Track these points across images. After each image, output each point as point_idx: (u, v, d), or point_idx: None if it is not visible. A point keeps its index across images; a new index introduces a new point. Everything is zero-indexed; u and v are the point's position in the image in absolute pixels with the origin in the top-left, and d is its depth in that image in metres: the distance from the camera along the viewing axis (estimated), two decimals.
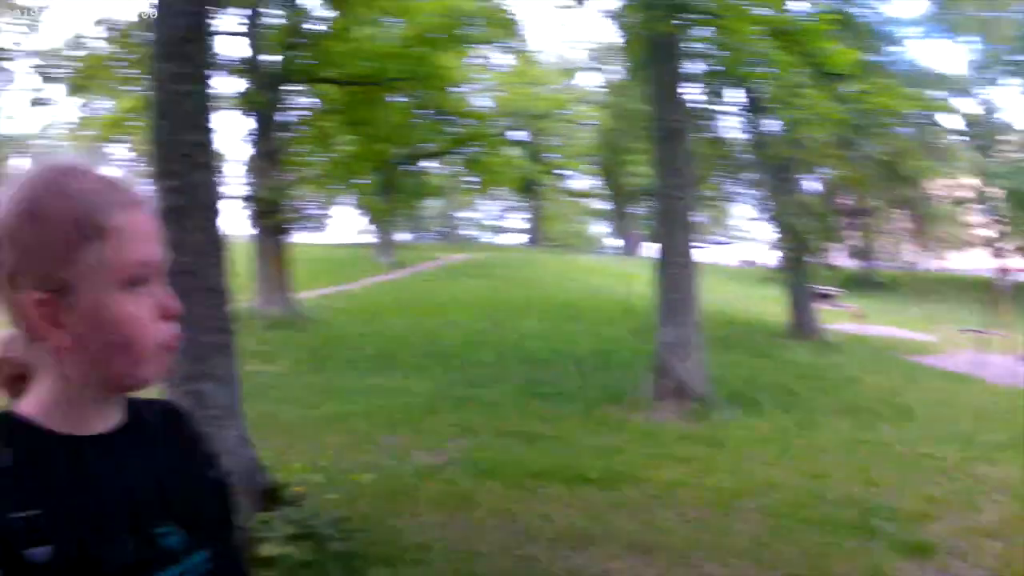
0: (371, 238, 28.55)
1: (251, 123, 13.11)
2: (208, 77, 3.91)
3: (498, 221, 48.36)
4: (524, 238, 42.06)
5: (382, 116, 13.69)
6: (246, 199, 13.17)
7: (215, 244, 3.70)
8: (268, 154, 13.11)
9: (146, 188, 0.86)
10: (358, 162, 14.38)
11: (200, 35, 3.87)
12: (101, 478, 0.82)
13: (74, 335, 0.78)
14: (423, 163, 23.86)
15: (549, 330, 12.43)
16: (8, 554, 0.71)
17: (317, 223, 39.78)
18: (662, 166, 7.88)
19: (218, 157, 4.00)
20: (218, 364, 3.60)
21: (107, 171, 0.82)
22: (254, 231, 13.61)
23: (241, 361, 3.85)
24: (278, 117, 13.12)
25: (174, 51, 3.73)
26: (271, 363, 9.36)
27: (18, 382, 0.83)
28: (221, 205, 3.87)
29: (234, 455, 3.55)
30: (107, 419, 0.85)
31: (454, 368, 9.46)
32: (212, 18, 4.16)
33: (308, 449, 5.23)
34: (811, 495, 4.75)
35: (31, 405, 0.82)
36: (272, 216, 13.08)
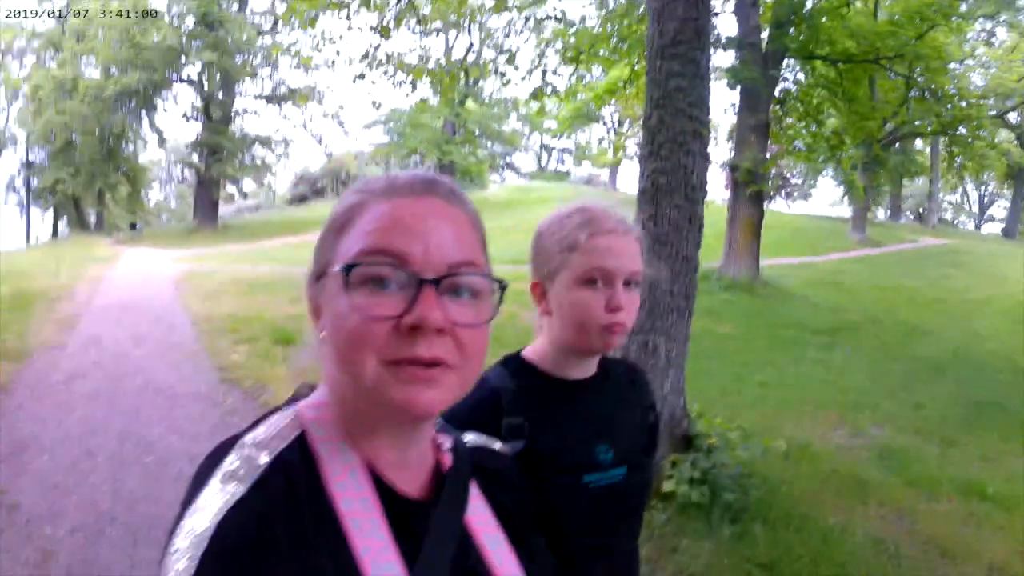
0: (846, 213, 26.88)
1: (738, 96, 13.60)
2: (704, 73, 4.19)
3: (980, 208, 41.09)
4: (1000, 228, 34.99)
5: (872, 93, 13.10)
6: (730, 167, 13.95)
7: (693, 220, 4.10)
8: (755, 126, 13.49)
9: (627, 220, 1.25)
10: (844, 137, 13.96)
11: (698, 37, 4.14)
12: (570, 406, 1.24)
13: (553, 311, 1.23)
14: (909, 142, 21.52)
15: (1004, 333, 11.00)
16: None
17: (797, 193, 38.76)
18: None
19: (707, 141, 4.29)
20: (673, 323, 4.05)
21: (600, 208, 1.23)
22: (730, 196, 14.25)
23: (693, 320, 4.26)
24: (768, 91, 13.34)
25: (670, 51, 4.10)
26: (721, 324, 10.00)
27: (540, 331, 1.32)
28: (704, 186, 4.22)
29: (667, 402, 4.01)
30: (585, 370, 1.28)
31: (897, 357, 9.09)
32: (708, 21, 4.38)
33: (732, 408, 5.68)
34: None
35: (532, 352, 1.30)
36: (751, 185, 13.50)
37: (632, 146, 27.46)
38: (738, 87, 13.18)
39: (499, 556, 0.78)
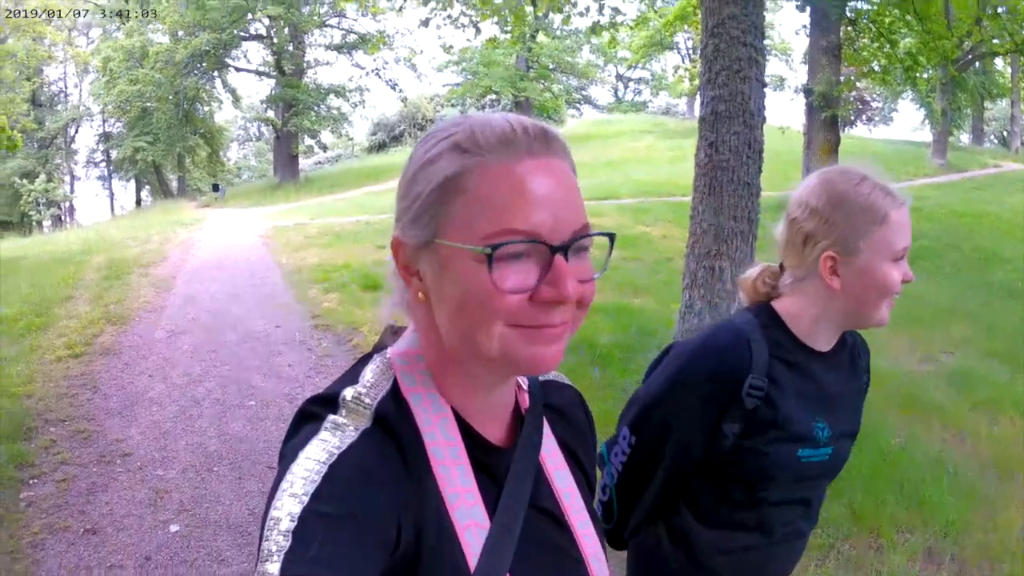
0: (928, 137, 25.72)
1: (810, 17, 13.21)
2: (761, 5, 4.44)
3: None
4: None
5: (946, 11, 12.23)
6: (804, 91, 13.57)
7: (752, 145, 4.38)
8: (826, 48, 13.16)
9: (904, 195, 1.29)
10: (919, 58, 13.32)
11: None
12: (807, 378, 1.34)
13: (844, 283, 1.28)
14: (988, 62, 20.10)
15: None
16: (734, 397, 1.28)
17: (877, 118, 37.01)
18: None
19: (763, 67, 4.55)
20: (738, 248, 4.37)
21: (880, 175, 1.29)
22: (806, 121, 13.88)
23: (758, 244, 4.52)
24: (839, 12, 12.87)
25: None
26: None
27: (766, 295, 1.41)
28: (762, 112, 4.49)
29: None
30: (829, 342, 1.37)
31: (973, 283, 9.23)
32: None
33: None
34: None
35: (786, 311, 1.36)
36: (825, 109, 13.21)
37: None
38: (808, 8, 12.92)
39: (567, 492, 0.86)
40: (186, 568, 3.21)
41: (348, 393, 0.74)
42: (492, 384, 0.79)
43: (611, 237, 0.76)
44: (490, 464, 0.78)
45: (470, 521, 0.72)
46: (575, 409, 0.97)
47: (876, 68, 13.62)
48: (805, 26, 13.89)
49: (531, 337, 0.69)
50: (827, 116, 13.83)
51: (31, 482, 3.96)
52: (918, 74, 13.80)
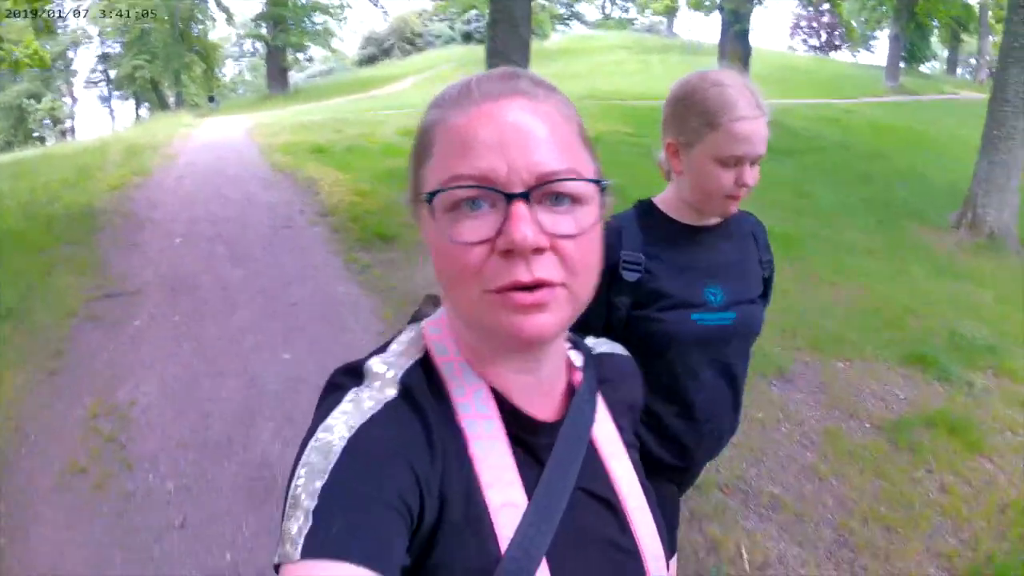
0: (881, 60, 28.86)
1: None
2: None
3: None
4: None
5: None
6: (719, 7, 17.22)
7: None
8: None
9: (761, 100, 1.46)
10: None
11: None
12: (686, 248, 1.56)
13: (685, 171, 1.52)
14: None
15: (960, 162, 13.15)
16: (614, 274, 1.50)
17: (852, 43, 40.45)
18: None
19: None
20: None
21: (740, 85, 1.45)
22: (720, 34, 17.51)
23: None
24: None
25: None
26: None
27: (667, 174, 1.62)
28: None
29: None
30: (706, 220, 1.58)
31: (839, 172, 11.90)
32: None
33: None
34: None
35: (661, 199, 1.62)
36: (736, 24, 16.73)
37: None
38: None
39: (625, 479, 0.83)
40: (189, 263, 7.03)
41: (374, 363, 0.74)
42: (521, 359, 0.76)
43: (599, 185, 0.70)
44: (532, 441, 0.76)
45: (505, 501, 0.70)
46: (632, 382, 0.97)
47: None
48: None
49: (509, 305, 0.66)
50: (737, 29, 17.11)
51: (100, 232, 7.77)
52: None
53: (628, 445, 0.88)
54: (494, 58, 9.43)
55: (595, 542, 0.77)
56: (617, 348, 0.99)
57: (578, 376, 0.85)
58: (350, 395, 0.71)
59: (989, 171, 8.58)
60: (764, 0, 20.50)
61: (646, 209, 1.61)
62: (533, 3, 35.24)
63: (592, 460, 0.81)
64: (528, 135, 0.67)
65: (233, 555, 2.87)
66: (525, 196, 0.65)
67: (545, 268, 0.66)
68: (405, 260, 6.21)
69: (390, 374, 0.73)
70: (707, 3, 22.78)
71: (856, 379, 4.48)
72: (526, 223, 0.64)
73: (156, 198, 9.22)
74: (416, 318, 0.84)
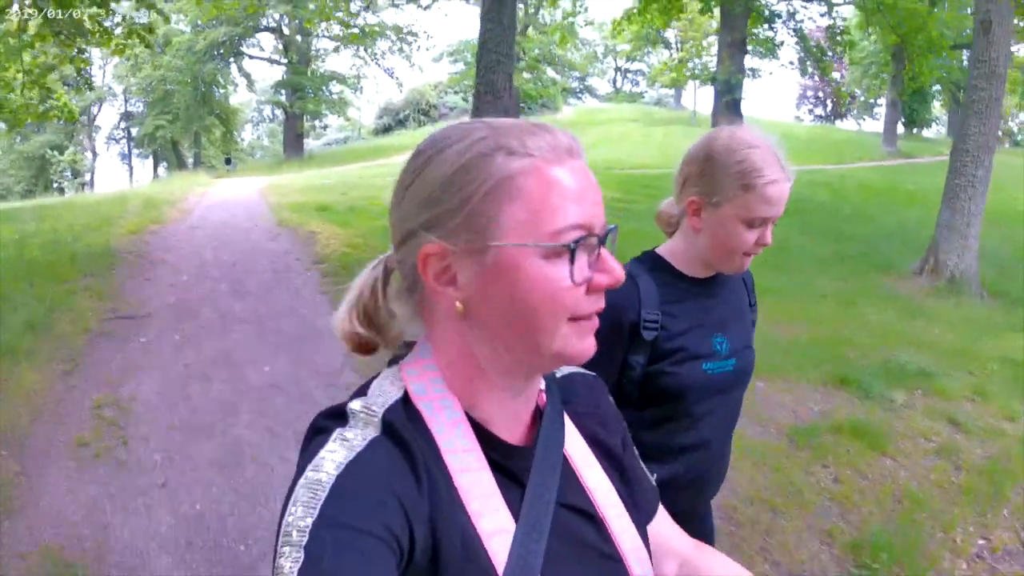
0: (878, 127, 30.49)
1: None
2: None
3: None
4: None
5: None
6: (711, 79, 18.58)
7: None
8: (732, 43, 17.75)
9: (787, 161, 1.50)
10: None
11: None
12: (695, 303, 1.62)
13: (704, 227, 1.55)
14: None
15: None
16: (635, 333, 1.53)
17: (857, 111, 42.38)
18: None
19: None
20: None
21: (772, 148, 1.49)
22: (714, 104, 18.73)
23: None
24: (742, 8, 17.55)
25: None
26: None
27: (673, 227, 1.67)
28: None
29: None
30: (709, 272, 1.64)
31: (816, 230, 12.78)
32: None
33: None
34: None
35: (667, 251, 1.66)
36: (727, 94, 18.03)
37: (694, 67, 31.79)
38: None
39: (599, 488, 0.90)
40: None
41: (356, 404, 0.77)
42: (520, 388, 0.83)
43: (615, 229, 0.80)
44: (510, 466, 0.81)
45: (496, 528, 0.75)
46: (597, 396, 1.02)
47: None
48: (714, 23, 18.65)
49: (582, 328, 0.77)
50: (727, 100, 18.35)
51: (117, 267, 8.64)
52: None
53: (603, 457, 0.94)
54: None
55: (581, 550, 0.83)
56: (576, 368, 1.02)
57: (542, 397, 0.91)
58: (335, 435, 0.73)
59: (950, 218, 9.10)
60: (758, 71, 21.70)
61: (656, 263, 1.65)
62: (544, 77, 36.84)
63: (568, 475, 0.86)
64: (600, 193, 0.78)
65: (201, 507, 3.61)
66: (604, 240, 0.77)
67: None
68: None
69: (372, 412, 0.76)
70: (701, 75, 24.37)
71: (772, 395, 4.95)
72: (618, 263, 0.78)
73: (169, 243, 10.13)
74: (393, 361, 0.87)
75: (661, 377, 1.55)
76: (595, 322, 0.78)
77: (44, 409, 4.61)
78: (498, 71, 9.19)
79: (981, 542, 3.46)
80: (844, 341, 6.31)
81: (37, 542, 3.28)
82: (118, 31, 12.83)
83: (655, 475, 1.40)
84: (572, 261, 0.73)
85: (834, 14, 20.35)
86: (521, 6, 35.60)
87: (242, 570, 3.13)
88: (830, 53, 22.15)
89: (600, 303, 0.78)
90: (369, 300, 0.85)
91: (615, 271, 0.77)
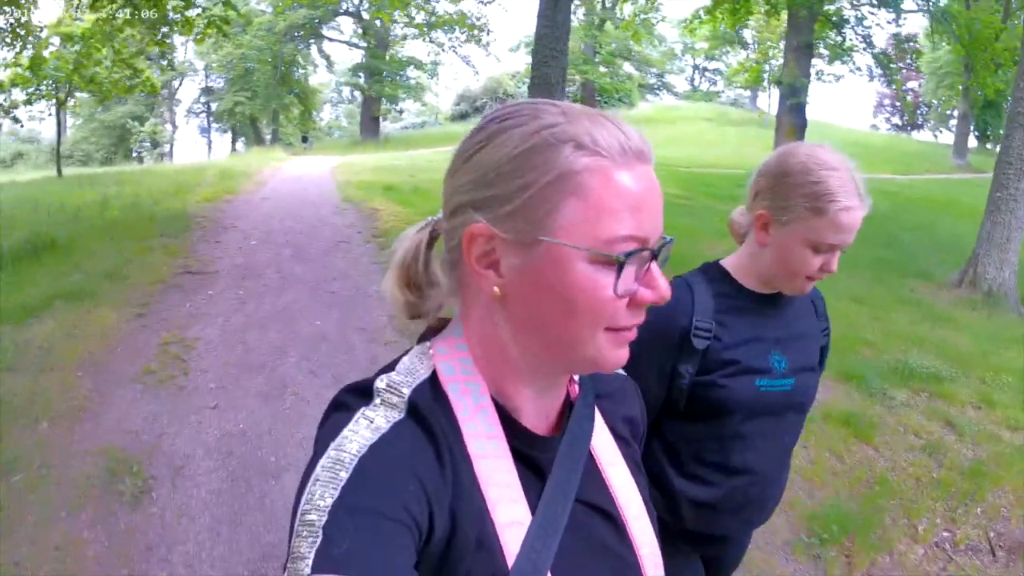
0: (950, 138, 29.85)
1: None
2: None
3: None
4: None
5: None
6: (776, 83, 18.66)
7: None
8: (798, 46, 17.78)
9: (864, 188, 1.44)
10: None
11: None
12: (754, 317, 1.58)
13: (771, 243, 1.51)
14: None
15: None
16: (684, 340, 1.51)
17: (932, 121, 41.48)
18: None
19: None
20: None
21: (851, 172, 1.43)
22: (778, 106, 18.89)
23: None
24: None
25: None
26: None
27: (742, 236, 1.64)
28: None
29: None
30: (774, 289, 1.57)
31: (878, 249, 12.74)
32: None
33: None
34: None
35: (731, 263, 1.62)
36: (791, 97, 18.20)
37: (769, 68, 31.66)
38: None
39: (623, 488, 0.87)
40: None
41: (382, 382, 0.76)
42: (548, 383, 0.81)
43: (671, 242, 0.77)
44: (533, 456, 0.79)
45: (511, 519, 0.73)
46: (630, 398, 1.00)
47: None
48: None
49: (619, 339, 0.74)
50: (792, 103, 18.39)
51: (191, 230, 9.31)
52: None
53: (629, 458, 0.92)
54: None
55: (596, 552, 0.81)
56: None
57: (574, 388, 0.88)
58: (359, 414, 0.72)
59: (991, 231, 8.87)
60: (823, 74, 21.40)
61: (717, 274, 1.62)
62: (621, 72, 37.10)
63: (591, 471, 0.84)
64: (661, 202, 0.74)
65: (244, 426, 4.15)
66: (656, 255, 0.74)
67: None
68: None
69: (400, 392, 0.74)
70: (773, 77, 24.33)
71: None
72: (665, 281, 0.75)
73: (241, 212, 10.81)
74: (424, 338, 0.84)
75: (711, 389, 1.51)
76: (633, 334, 0.76)
77: (118, 342, 5.20)
78: (552, 65, 9.58)
79: (945, 534, 3.54)
80: (863, 341, 6.40)
81: (101, 443, 3.85)
82: (199, 24, 13.68)
83: (695, 496, 1.56)
84: (619, 274, 0.70)
85: (902, 21, 20.22)
86: (598, 1, 35.94)
87: (270, 475, 3.64)
88: (897, 61, 21.96)
89: (640, 317, 0.75)
90: (412, 262, 0.83)
91: (661, 289, 0.74)
